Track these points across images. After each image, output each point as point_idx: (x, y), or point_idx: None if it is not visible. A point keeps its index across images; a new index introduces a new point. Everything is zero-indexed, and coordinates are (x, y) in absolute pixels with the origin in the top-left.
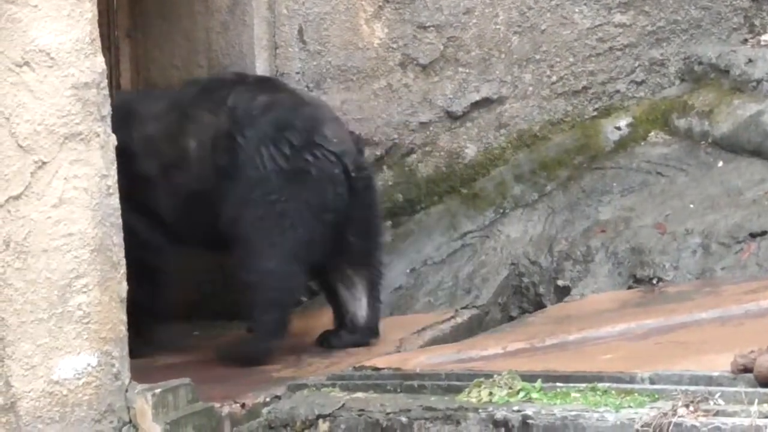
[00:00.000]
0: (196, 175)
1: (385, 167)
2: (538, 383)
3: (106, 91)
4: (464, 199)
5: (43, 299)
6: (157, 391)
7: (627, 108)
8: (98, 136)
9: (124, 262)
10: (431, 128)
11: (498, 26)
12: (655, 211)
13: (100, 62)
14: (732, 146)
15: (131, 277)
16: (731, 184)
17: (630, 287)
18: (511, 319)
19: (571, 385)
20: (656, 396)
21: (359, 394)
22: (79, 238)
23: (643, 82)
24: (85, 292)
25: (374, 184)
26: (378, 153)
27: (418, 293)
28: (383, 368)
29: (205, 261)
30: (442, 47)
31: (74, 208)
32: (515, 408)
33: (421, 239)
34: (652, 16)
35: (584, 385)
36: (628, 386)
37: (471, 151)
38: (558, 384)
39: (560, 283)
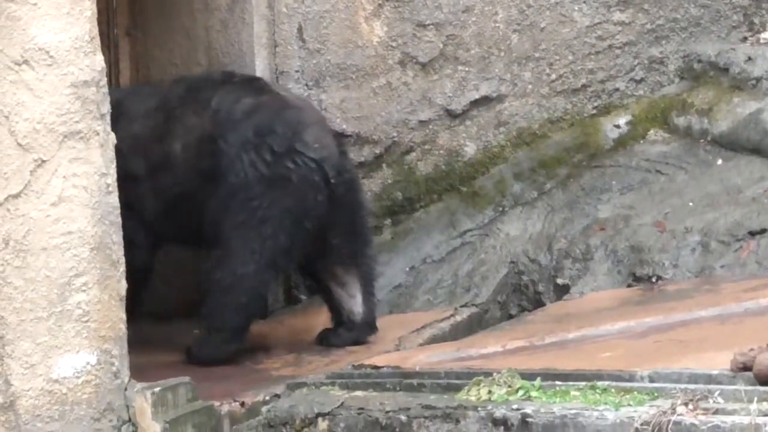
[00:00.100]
0: (181, 176)
1: (384, 165)
2: (538, 381)
3: (106, 90)
4: (464, 198)
5: (43, 297)
6: (157, 389)
7: (626, 106)
8: (97, 134)
9: (123, 260)
10: (431, 126)
11: (497, 24)
12: (655, 209)
13: (99, 60)
14: (731, 144)
15: None
16: (731, 182)
17: (629, 285)
18: (511, 317)
19: (571, 383)
20: (655, 394)
21: (358, 393)
22: (78, 237)
23: (642, 80)
24: (84, 290)
25: (357, 184)
26: (377, 151)
27: (418, 291)
28: (382, 366)
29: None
30: (441, 45)
31: (74, 207)
32: (514, 406)
33: (421, 237)
34: (651, 14)
35: (584, 383)
36: (628, 384)
37: (470, 149)
38: (557, 382)
39: (559, 281)
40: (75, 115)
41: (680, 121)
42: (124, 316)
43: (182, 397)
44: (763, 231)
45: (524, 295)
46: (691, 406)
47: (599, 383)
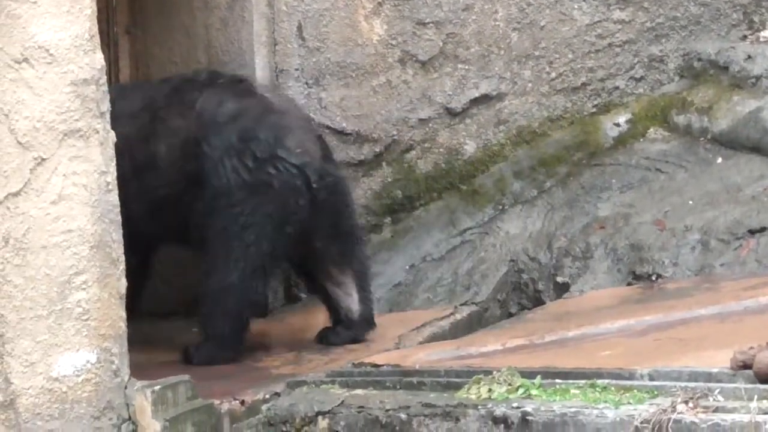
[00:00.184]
0: (166, 179)
1: (384, 164)
2: (538, 380)
3: (106, 88)
4: (463, 196)
5: (43, 296)
6: (157, 387)
7: (626, 104)
8: (97, 132)
9: (123, 258)
10: (430, 125)
11: (497, 23)
12: (654, 207)
13: (99, 59)
14: (731, 143)
15: None
16: (730, 180)
17: (629, 284)
18: (511, 315)
19: (571, 381)
20: (655, 392)
21: (358, 391)
22: (78, 235)
23: (642, 78)
24: (84, 288)
25: (342, 186)
26: (377, 150)
27: (417, 290)
28: (382, 365)
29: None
30: (441, 44)
31: (73, 205)
32: (514, 404)
33: (421, 236)
34: (651, 12)
35: (583, 381)
36: (628, 383)
37: (470, 147)
38: (557, 380)
39: (559, 279)
40: (75, 113)
41: (680, 119)
42: (124, 314)
43: (182, 395)
44: (762, 229)
45: (524, 294)
46: (691, 405)
47: (599, 381)
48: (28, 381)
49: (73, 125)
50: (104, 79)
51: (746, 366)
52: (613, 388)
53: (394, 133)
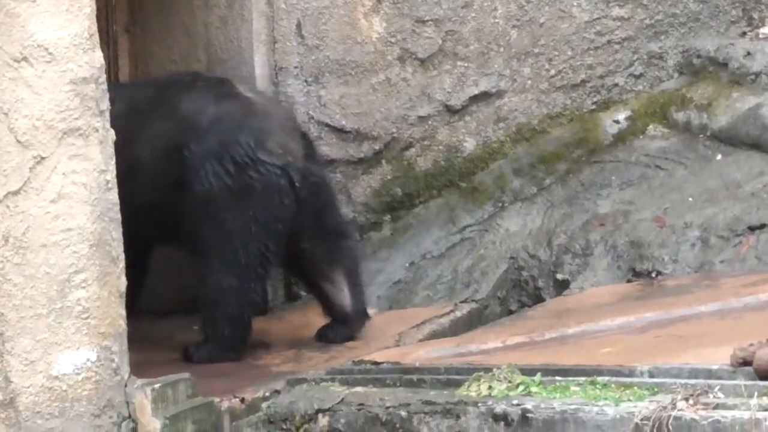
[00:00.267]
0: (151, 183)
1: (383, 161)
2: (538, 377)
3: (105, 86)
4: (463, 193)
5: (42, 294)
6: (157, 385)
7: (625, 101)
8: (97, 131)
9: (123, 257)
10: (430, 122)
11: (496, 20)
12: (654, 204)
13: (98, 57)
14: (731, 139)
15: None
16: (730, 177)
17: (629, 281)
18: (510, 312)
19: (571, 378)
20: (655, 389)
21: (359, 389)
22: (78, 233)
23: (641, 75)
24: (84, 287)
25: (326, 184)
26: (376, 147)
27: (417, 287)
28: (382, 362)
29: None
30: (440, 41)
31: (73, 203)
32: (515, 402)
33: (420, 233)
34: (650, 9)
35: (583, 378)
36: (628, 380)
37: (470, 144)
38: (557, 378)
39: (559, 276)
40: (74, 111)
41: (679, 116)
42: (123, 312)
43: (182, 393)
44: (762, 226)
45: (524, 291)
46: (691, 401)
47: (599, 378)
48: (28, 379)
49: (72, 124)
50: (104, 77)
51: (746, 363)
52: (613, 385)
53: (394, 130)
